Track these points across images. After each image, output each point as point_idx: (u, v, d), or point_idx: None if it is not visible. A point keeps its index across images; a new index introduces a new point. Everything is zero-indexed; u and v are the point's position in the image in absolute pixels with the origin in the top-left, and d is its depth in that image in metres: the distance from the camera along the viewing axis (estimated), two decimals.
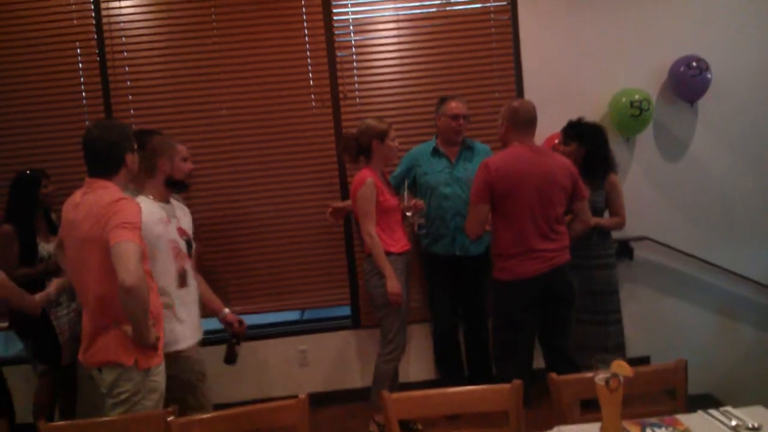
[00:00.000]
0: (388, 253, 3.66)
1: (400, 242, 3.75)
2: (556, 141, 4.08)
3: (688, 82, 4.31)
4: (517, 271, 3.29)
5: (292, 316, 4.91)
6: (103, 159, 2.56)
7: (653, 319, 4.57)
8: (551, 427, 2.09)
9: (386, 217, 3.70)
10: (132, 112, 4.33)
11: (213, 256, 4.36)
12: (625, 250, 4.48)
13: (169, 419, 2.17)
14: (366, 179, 3.64)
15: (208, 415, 2.24)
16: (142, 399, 2.57)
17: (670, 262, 4.57)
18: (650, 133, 4.52)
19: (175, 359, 2.92)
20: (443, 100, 4.03)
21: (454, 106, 3.96)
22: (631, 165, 4.53)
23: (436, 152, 4.07)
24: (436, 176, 4.00)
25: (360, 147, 3.76)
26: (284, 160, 4.38)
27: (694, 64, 4.28)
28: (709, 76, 4.28)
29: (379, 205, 3.65)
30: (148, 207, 2.87)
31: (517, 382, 2.25)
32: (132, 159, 2.65)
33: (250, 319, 4.56)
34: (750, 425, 1.97)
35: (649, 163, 4.55)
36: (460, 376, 4.25)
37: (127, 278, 2.33)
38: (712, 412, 2.11)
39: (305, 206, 4.40)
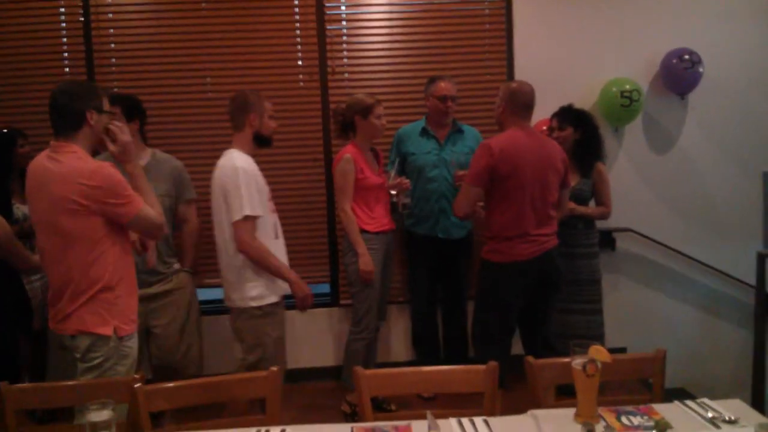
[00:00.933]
0: (363, 231, 3.65)
1: (378, 221, 3.72)
2: (549, 125, 4.03)
3: (679, 74, 4.28)
4: (511, 254, 3.28)
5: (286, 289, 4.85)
6: (62, 114, 2.45)
7: (632, 311, 4.57)
8: (525, 411, 2.06)
9: (365, 195, 3.67)
10: (115, 75, 4.23)
11: (205, 231, 4.25)
12: (607, 240, 4.46)
13: (135, 386, 2.12)
14: (344, 155, 3.62)
15: (176, 384, 2.19)
16: (114, 365, 2.52)
17: (651, 255, 4.57)
18: (639, 125, 4.50)
19: (268, 312, 3.02)
20: (432, 80, 3.97)
21: (443, 86, 3.90)
22: (618, 155, 4.51)
23: (424, 132, 4.01)
24: (423, 157, 3.95)
25: (344, 121, 3.71)
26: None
27: (687, 56, 4.25)
28: (701, 69, 4.26)
29: (357, 182, 3.62)
30: (247, 160, 3.00)
31: (492, 363, 2.22)
32: (95, 118, 2.48)
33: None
34: (727, 417, 1.94)
35: (637, 154, 4.53)
36: (436, 358, 4.23)
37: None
38: (689, 402, 2.08)
39: (288, 182, 4.32)
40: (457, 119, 4.06)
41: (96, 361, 2.48)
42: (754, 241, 4.62)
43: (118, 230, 2.50)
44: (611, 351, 4.32)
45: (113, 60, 4.21)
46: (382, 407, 3.74)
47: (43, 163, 2.46)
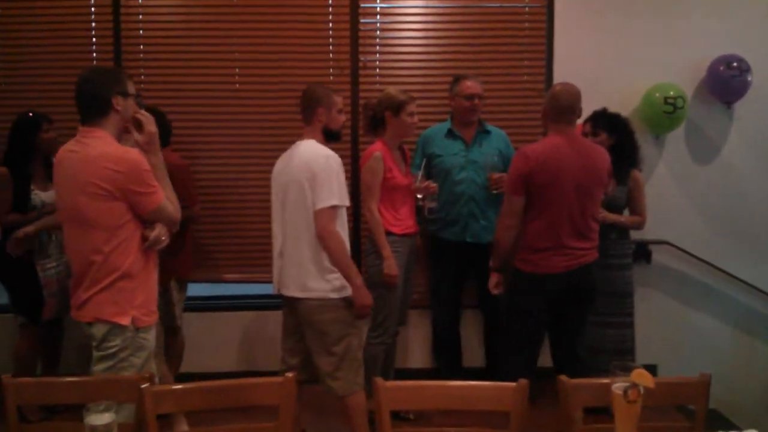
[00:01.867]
0: (388, 233, 3.54)
1: (404, 223, 3.61)
2: (583, 131, 3.86)
3: (727, 82, 4.09)
4: (543, 266, 3.15)
5: (268, 289, 4.76)
6: (89, 100, 2.43)
7: (664, 327, 4.37)
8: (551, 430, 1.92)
9: (391, 196, 3.57)
10: (142, 63, 4.14)
11: (213, 220, 4.18)
12: (642, 252, 4.27)
13: (142, 386, 2.00)
14: (374, 153, 3.52)
15: (185, 386, 2.07)
16: (129, 356, 2.47)
17: (688, 270, 4.38)
18: (681, 133, 4.30)
19: (349, 304, 2.96)
20: (457, 79, 3.83)
21: (470, 85, 3.76)
22: (658, 164, 4.32)
23: (450, 134, 3.87)
24: (450, 159, 3.81)
25: (375, 117, 3.61)
26: (295, 128, 4.15)
27: (735, 64, 4.05)
28: (749, 78, 4.06)
29: (385, 182, 3.52)
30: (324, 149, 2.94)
31: (522, 381, 2.06)
32: (121, 103, 2.43)
33: (240, 289, 4.46)
34: None
35: (677, 164, 4.34)
36: (458, 366, 4.10)
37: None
38: None
39: None
40: (491, 122, 3.93)
41: (111, 350, 2.43)
42: None
43: (138, 219, 2.46)
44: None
45: (141, 47, 4.13)
46: (399, 415, 3.59)
47: (70, 148, 2.45)
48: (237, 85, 4.16)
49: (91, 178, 2.33)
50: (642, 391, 1.79)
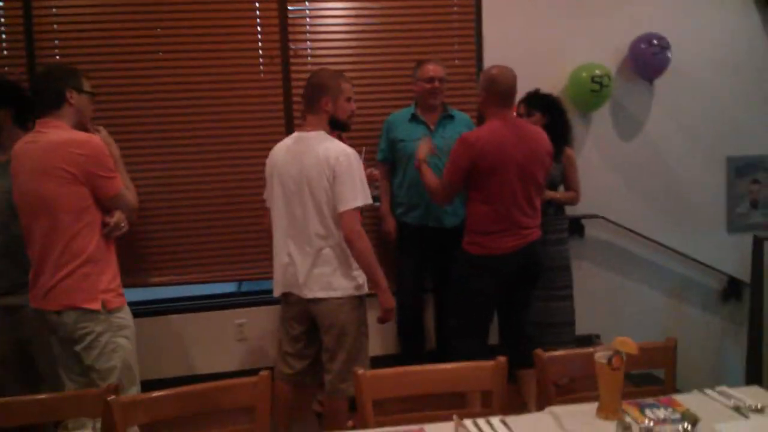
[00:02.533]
0: None
1: None
2: (517, 111, 3.92)
3: (648, 59, 4.25)
4: (493, 247, 3.15)
5: (229, 288, 4.61)
6: (43, 95, 2.54)
7: (600, 298, 4.51)
8: (517, 408, 1.94)
9: None
10: (58, 51, 3.87)
11: (146, 221, 3.96)
12: (576, 227, 4.39)
13: (109, 399, 1.88)
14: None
15: (156, 394, 1.96)
16: (113, 338, 2.50)
17: (620, 242, 4.54)
18: (606, 111, 4.45)
19: (363, 302, 2.89)
20: (419, 64, 3.84)
21: (431, 68, 3.77)
22: (585, 142, 4.45)
23: (414, 118, 3.86)
24: (413, 144, 3.74)
25: None
26: (226, 120, 4.03)
27: (655, 41, 4.21)
28: (669, 54, 4.23)
29: None
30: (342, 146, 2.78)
31: (501, 359, 2.08)
32: (76, 97, 2.54)
33: (184, 291, 4.28)
34: (753, 406, 1.86)
35: (604, 140, 4.48)
36: (422, 350, 4.11)
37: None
38: (708, 391, 2.00)
39: (248, 171, 4.05)
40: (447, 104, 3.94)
41: (89, 338, 2.46)
42: (719, 225, 4.68)
43: (99, 206, 2.52)
44: (582, 339, 4.31)
45: (56, 42, 3.86)
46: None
47: (28, 140, 2.51)
48: (163, 78, 3.96)
49: (56, 162, 2.40)
50: (625, 358, 1.83)
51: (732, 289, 4.64)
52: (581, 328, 4.27)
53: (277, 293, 2.92)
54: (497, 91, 3.15)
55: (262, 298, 4.29)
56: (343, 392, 2.83)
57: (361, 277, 2.85)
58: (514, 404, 2.08)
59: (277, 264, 2.88)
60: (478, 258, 3.20)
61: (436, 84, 3.76)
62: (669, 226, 4.57)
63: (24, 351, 3.04)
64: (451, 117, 3.90)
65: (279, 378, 2.93)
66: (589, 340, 4.42)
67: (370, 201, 2.79)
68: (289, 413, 2.99)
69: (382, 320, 2.92)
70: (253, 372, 3.77)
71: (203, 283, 4.14)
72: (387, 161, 3.94)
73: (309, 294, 2.78)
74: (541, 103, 3.83)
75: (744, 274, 4.61)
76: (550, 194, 3.81)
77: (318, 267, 2.76)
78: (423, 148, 3.43)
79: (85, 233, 2.46)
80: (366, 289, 2.88)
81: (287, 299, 2.90)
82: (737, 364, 4.54)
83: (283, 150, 2.87)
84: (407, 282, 3.98)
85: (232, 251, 4.11)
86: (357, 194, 2.72)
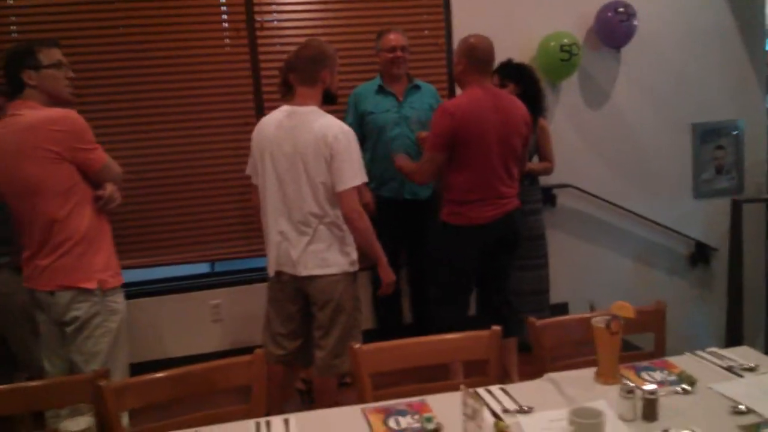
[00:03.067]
0: None
1: None
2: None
3: (615, 27, 4.26)
4: (473, 216, 3.13)
5: (202, 269, 4.52)
6: (6, 79, 2.46)
7: (572, 266, 4.57)
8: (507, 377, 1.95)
9: None
10: (13, 28, 3.71)
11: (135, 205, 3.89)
12: (548, 197, 4.42)
13: (101, 383, 1.82)
14: None
15: (149, 378, 1.91)
16: (103, 321, 2.49)
17: (590, 210, 4.59)
18: (575, 80, 4.46)
19: (355, 278, 2.86)
20: (380, 34, 3.78)
21: (392, 38, 3.72)
22: (555, 111, 4.46)
23: (381, 90, 3.80)
24: (383, 116, 3.75)
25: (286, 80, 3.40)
26: (194, 97, 3.92)
27: (622, 9, 4.23)
28: (635, 22, 4.25)
29: None
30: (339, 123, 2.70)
31: (495, 329, 2.08)
32: (35, 77, 2.43)
33: (157, 273, 4.18)
34: (746, 365, 1.90)
35: (573, 109, 4.50)
36: (399, 323, 4.11)
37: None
38: (700, 353, 2.04)
39: (219, 149, 3.98)
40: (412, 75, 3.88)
41: (81, 319, 2.42)
42: (685, 191, 4.77)
43: (87, 182, 2.47)
44: (555, 307, 4.35)
45: (12, 18, 3.69)
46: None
47: (3, 124, 2.43)
48: (126, 54, 3.81)
49: (37, 142, 2.34)
50: (622, 322, 1.85)
51: (699, 253, 4.75)
52: (554, 296, 4.33)
53: (271, 272, 2.85)
54: (477, 57, 3.12)
55: (236, 278, 4.23)
56: (336, 368, 2.80)
57: (354, 253, 2.81)
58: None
59: (270, 243, 2.81)
60: (458, 228, 3.19)
61: (398, 53, 3.71)
62: (636, 193, 4.64)
63: None
64: (418, 87, 3.86)
65: (270, 360, 2.87)
66: (564, 308, 4.48)
67: (366, 179, 2.74)
68: (282, 393, 2.96)
69: (383, 293, 2.92)
70: (231, 353, 3.74)
71: (176, 264, 4.06)
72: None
73: (303, 271, 2.72)
74: (514, 73, 3.80)
75: (711, 238, 4.73)
76: (527, 166, 3.82)
77: (312, 244, 2.71)
78: (404, 163, 3.40)
79: (76, 212, 2.41)
80: (358, 265, 2.85)
81: (279, 278, 2.82)
82: (707, 327, 4.67)
83: (274, 124, 2.75)
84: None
85: (204, 231, 4.03)
86: (356, 173, 2.67)
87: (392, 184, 3.81)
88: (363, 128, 3.76)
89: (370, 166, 3.84)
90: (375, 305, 4.15)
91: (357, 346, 2.00)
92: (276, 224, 2.75)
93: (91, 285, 2.43)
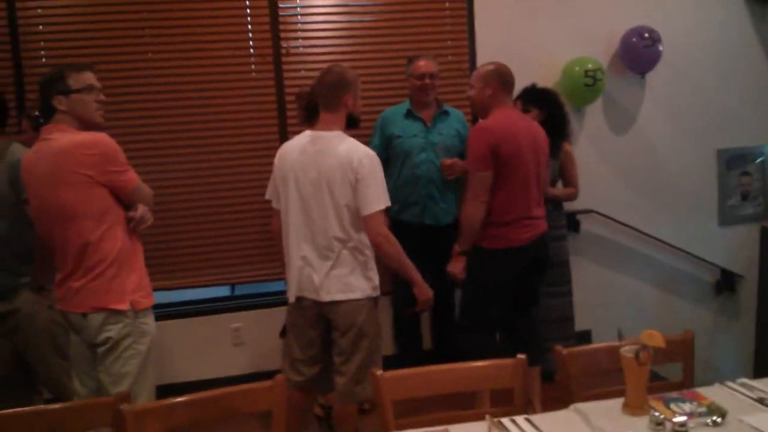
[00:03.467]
0: None
1: None
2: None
3: (639, 53, 4.25)
4: (513, 239, 3.14)
5: (223, 292, 4.53)
6: (40, 104, 2.51)
7: (595, 293, 4.50)
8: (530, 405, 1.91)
9: None
10: (44, 54, 3.78)
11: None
12: (572, 222, 4.38)
13: (122, 407, 1.82)
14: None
15: (170, 401, 1.89)
16: (133, 343, 2.47)
17: (613, 236, 4.54)
18: (599, 105, 4.44)
19: (377, 303, 2.83)
20: (410, 60, 3.79)
21: (422, 64, 3.72)
22: (579, 136, 4.44)
23: (410, 114, 3.80)
24: (410, 141, 3.73)
25: (310, 105, 3.35)
26: (218, 121, 3.97)
27: (647, 34, 4.21)
28: (660, 48, 4.23)
29: None
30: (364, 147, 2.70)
31: (521, 357, 2.05)
32: (65, 102, 2.45)
33: (177, 297, 4.19)
34: None
35: (597, 134, 4.48)
36: (418, 353, 4.06)
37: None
38: (730, 384, 1.99)
39: (241, 173, 4.01)
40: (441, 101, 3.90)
41: (113, 340, 2.43)
42: (710, 218, 4.70)
43: (120, 204, 2.49)
44: (578, 335, 4.28)
45: (42, 44, 3.77)
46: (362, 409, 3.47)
47: (35, 150, 2.47)
48: (151, 78, 3.88)
49: (71, 167, 2.35)
50: (652, 352, 1.81)
51: (725, 281, 4.67)
52: (578, 323, 4.28)
53: (291, 298, 2.82)
54: (507, 81, 3.20)
55: (257, 301, 4.24)
56: (357, 395, 2.76)
57: (376, 278, 2.79)
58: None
59: (291, 268, 2.79)
60: (495, 252, 3.18)
61: (427, 81, 3.71)
62: (661, 219, 4.58)
63: (20, 359, 2.96)
64: (447, 113, 3.86)
65: (288, 386, 2.84)
66: (587, 336, 4.42)
67: (389, 203, 2.73)
68: (301, 419, 2.93)
69: (422, 309, 2.93)
70: (252, 377, 3.73)
71: (197, 287, 4.07)
72: (380, 158, 3.88)
73: (326, 297, 2.69)
74: (538, 98, 3.80)
75: (736, 266, 4.65)
76: (550, 191, 3.80)
77: (336, 269, 2.69)
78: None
79: (110, 235, 2.43)
80: (380, 290, 2.82)
81: (300, 304, 2.79)
82: (733, 356, 4.58)
83: (297, 150, 2.74)
84: (403, 281, 3.92)
85: (225, 254, 4.05)
86: (381, 197, 2.66)
87: (414, 209, 3.79)
88: (388, 152, 3.76)
89: (394, 190, 3.82)
90: (395, 331, 4.12)
91: (379, 372, 1.98)
92: (298, 249, 2.73)
93: (124, 306, 2.43)
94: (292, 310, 2.85)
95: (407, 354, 4.02)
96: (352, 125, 2.85)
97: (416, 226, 3.78)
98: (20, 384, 3.09)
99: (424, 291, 2.84)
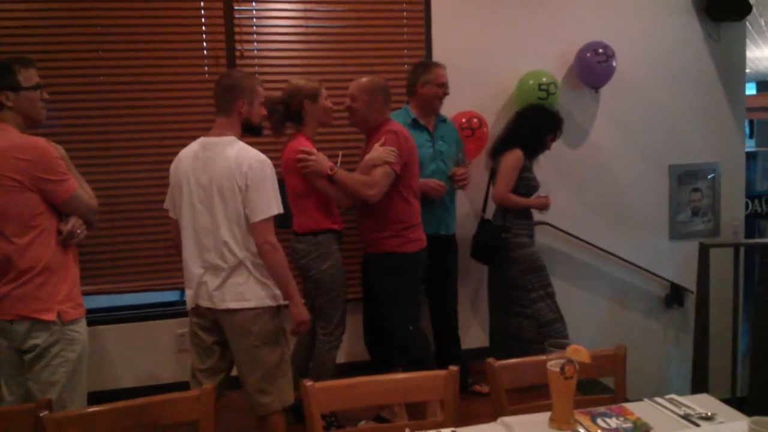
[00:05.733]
0: (330, 231, 3.28)
1: (338, 219, 3.37)
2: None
3: (594, 68, 4.30)
4: (424, 238, 3.36)
5: (171, 297, 4.45)
6: None
7: None
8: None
9: (318, 192, 3.25)
10: None
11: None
12: None
13: (42, 414, 1.76)
14: (303, 149, 3.19)
15: (92, 410, 1.85)
16: (61, 351, 2.41)
17: (567, 249, 4.58)
18: None
19: (279, 312, 2.76)
20: (427, 66, 3.67)
21: (442, 73, 3.64)
22: None
23: (416, 124, 3.66)
24: (420, 152, 3.50)
25: (288, 112, 3.32)
26: (170, 122, 3.90)
27: (601, 50, 4.26)
28: (614, 63, 4.29)
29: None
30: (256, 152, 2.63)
31: (453, 368, 2.04)
32: (13, 98, 2.40)
33: (121, 300, 4.11)
34: (703, 414, 1.86)
35: (551, 148, 4.50)
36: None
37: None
38: (658, 399, 2.00)
39: None
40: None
41: (40, 347, 2.37)
42: (661, 233, 4.77)
43: (54, 211, 2.42)
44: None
45: None
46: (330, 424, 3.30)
47: None
48: (101, 78, 3.82)
49: (1, 170, 2.29)
50: (577, 366, 1.81)
51: (674, 295, 4.74)
52: None
53: (189, 306, 2.75)
54: (390, 96, 3.38)
55: None
56: (268, 407, 2.69)
57: (276, 288, 2.71)
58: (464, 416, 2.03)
59: (188, 276, 2.72)
60: (411, 255, 3.31)
61: (446, 89, 3.68)
62: (613, 232, 4.64)
63: None
64: (444, 121, 3.80)
65: None
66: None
67: (282, 210, 2.65)
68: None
69: (294, 333, 2.80)
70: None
71: (142, 292, 3.99)
72: None
73: (221, 305, 2.64)
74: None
75: (685, 280, 4.72)
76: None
77: (231, 277, 2.62)
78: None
79: (39, 241, 2.36)
80: (281, 299, 2.74)
81: (197, 310, 2.73)
82: (680, 369, 4.63)
83: (191, 156, 2.68)
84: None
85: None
86: (271, 203, 2.59)
87: (431, 221, 3.62)
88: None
89: None
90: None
91: (309, 383, 1.94)
92: (194, 257, 2.68)
93: (50, 316, 2.37)
94: (192, 317, 2.78)
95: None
96: (253, 133, 2.81)
97: (432, 237, 3.58)
98: None
99: (300, 311, 2.73)
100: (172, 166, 2.76)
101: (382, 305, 3.34)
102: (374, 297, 3.41)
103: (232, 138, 2.66)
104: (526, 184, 3.97)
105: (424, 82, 3.64)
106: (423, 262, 3.37)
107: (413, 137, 3.50)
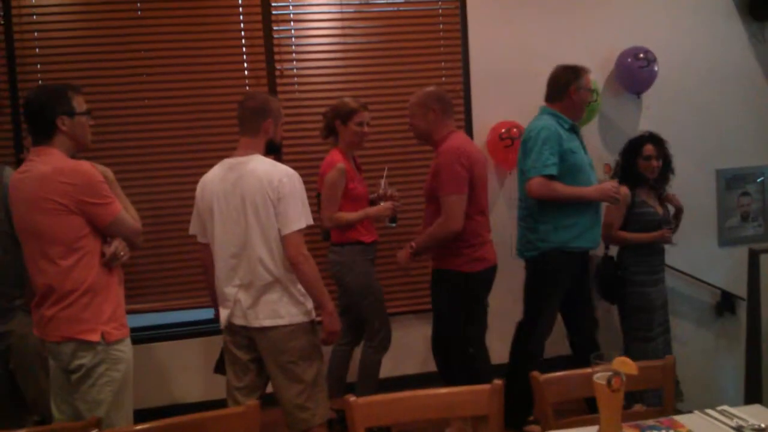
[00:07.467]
0: (359, 243, 3.44)
1: (370, 231, 3.50)
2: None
3: (635, 73, 4.25)
4: (490, 257, 3.29)
5: (207, 314, 4.51)
6: (35, 123, 2.44)
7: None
8: None
9: (355, 206, 3.46)
10: (40, 83, 3.79)
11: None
12: None
13: None
14: (336, 163, 3.39)
15: (139, 427, 1.88)
16: (107, 371, 2.43)
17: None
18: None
19: (314, 327, 2.79)
20: (578, 72, 3.50)
21: (591, 78, 3.56)
22: None
23: (573, 129, 3.49)
24: (576, 157, 3.37)
25: (328, 125, 3.55)
26: (213, 143, 3.98)
27: (642, 55, 4.21)
28: (656, 68, 4.23)
29: (348, 193, 3.41)
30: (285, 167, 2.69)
31: (497, 383, 2.02)
32: (68, 123, 2.44)
33: (162, 318, 4.19)
34: (757, 426, 1.81)
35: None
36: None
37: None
38: (709, 411, 1.95)
39: None
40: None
41: (86, 367, 2.40)
42: (710, 239, 4.65)
43: (98, 234, 2.45)
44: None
45: (38, 66, 3.83)
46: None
47: (22, 170, 2.45)
48: (146, 101, 3.93)
49: (46, 194, 2.33)
50: (624, 378, 1.78)
51: (725, 303, 4.61)
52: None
53: (223, 325, 2.79)
54: (448, 104, 3.33)
55: None
56: (307, 422, 2.70)
57: (309, 302, 2.74)
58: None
59: (221, 296, 2.76)
60: (476, 274, 3.26)
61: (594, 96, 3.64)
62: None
63: (11, 381, 2.98)
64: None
65: None
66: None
67: (312, 222, 2.70)
68: None
69: (325, 342, 2.81)
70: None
71: (186, 309, 4.07)
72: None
73: (255, 322, 2.67)
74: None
75: (736, 287, 4.58)
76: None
77: (265, 295, 2.66)
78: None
79: (83, 263, 2.39)
80: (314, 314, 2.77)
81: (231, 328, 2.76)
82: (733, 378, 4.49)
83: (218, 179, 2.73)
84: (552, 319, 3.60)
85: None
86: (302, 216, 2.64)
87: (589, 234, 3.45)
88: (560, 167, 3.35)
89: (567, 211, 3.41)
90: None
91: (352, 399, 1.95)
92: (228, 277, 2.71)
93: (95, 337, 2.40)
94: (225, 337, 2.82)
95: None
96: (273, 151, 2.87)
97: (585, 252, 3.50)
98: (11, 405, 3.10)
99: (333, 322, 2.75)
100: (198, 192, 2.81)
101: (437, 321, 3.37)
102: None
103: (257, 155, 2.71)
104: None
105: (577, 87, 3.48)
106: (487, 282, 3.33)
107: (572, 141, 3.40)
